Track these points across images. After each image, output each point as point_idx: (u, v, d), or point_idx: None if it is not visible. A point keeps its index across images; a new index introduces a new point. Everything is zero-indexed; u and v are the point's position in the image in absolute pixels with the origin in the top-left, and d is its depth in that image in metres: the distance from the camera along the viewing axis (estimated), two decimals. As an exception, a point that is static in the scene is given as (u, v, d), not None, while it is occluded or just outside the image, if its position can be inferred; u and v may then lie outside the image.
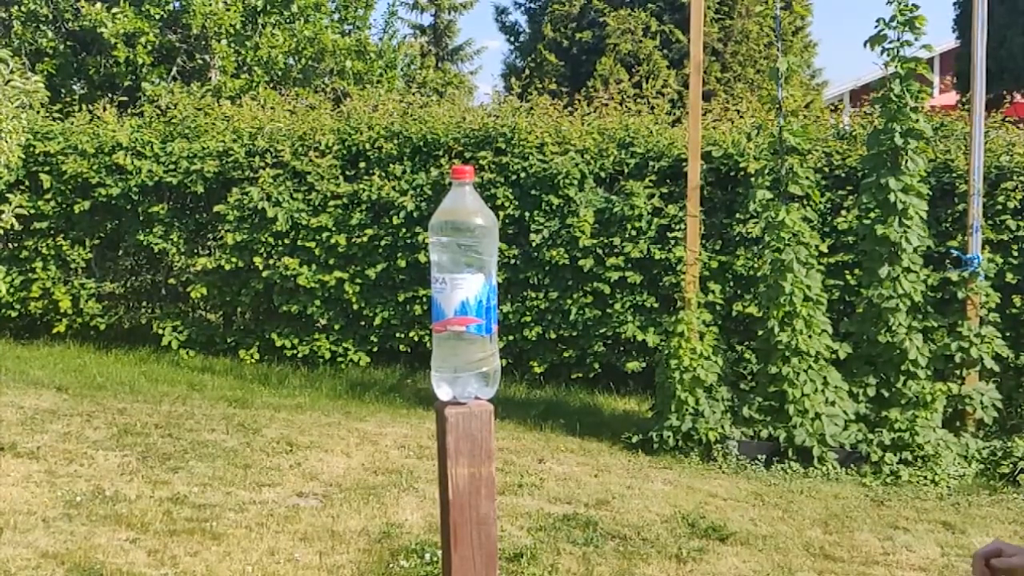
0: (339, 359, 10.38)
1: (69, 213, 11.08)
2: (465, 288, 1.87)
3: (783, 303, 7.66)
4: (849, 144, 9.49)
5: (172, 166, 10.78)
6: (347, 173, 10.48)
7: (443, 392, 1.91)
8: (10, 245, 11.29)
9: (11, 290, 11.05)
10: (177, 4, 15.52)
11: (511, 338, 9.70)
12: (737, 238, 9.36)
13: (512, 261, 9.80)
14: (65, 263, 11.18)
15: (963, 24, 20.00)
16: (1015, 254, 8.67)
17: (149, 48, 15.18)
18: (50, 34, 15.75)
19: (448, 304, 1.88)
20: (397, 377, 10.04)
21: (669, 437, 7.66)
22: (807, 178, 8.04)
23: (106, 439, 7.21)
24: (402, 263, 10.02)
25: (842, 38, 61.18)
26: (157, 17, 15.21)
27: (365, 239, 10.17)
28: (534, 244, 9.70)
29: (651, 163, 9.65)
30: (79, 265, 11.19)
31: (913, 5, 7.73)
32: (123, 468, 6.54)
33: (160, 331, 10.86)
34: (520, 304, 9.79)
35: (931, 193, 8.00)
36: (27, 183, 11.14)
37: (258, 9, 16.35)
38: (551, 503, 6.28)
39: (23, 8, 15.53)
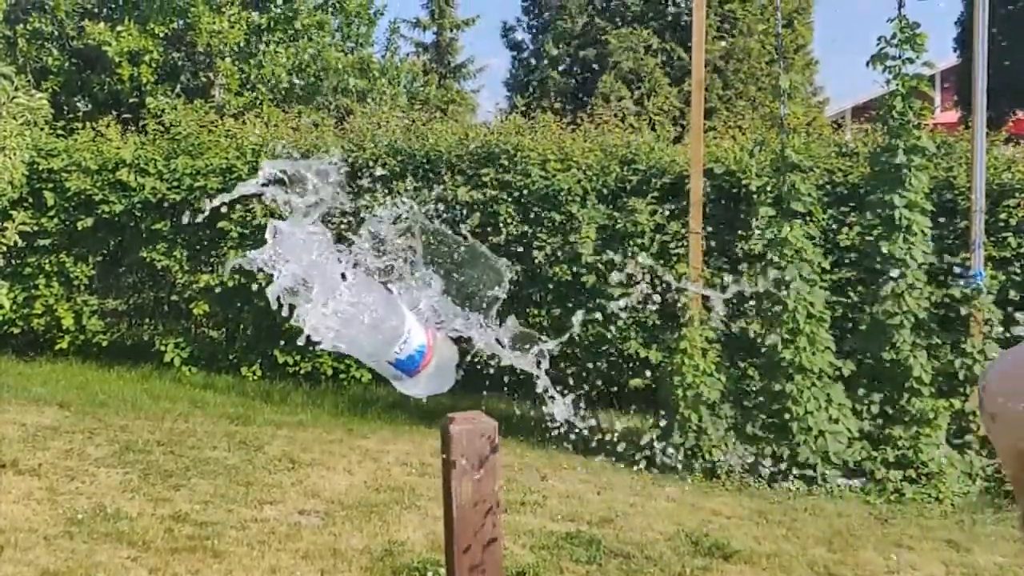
0: (341, 376, 10.37)
1: (72, 230, 11.09)
2: (416, 328, 1.87)
3: (786, 320, 7.65)
4: (851, 161, 9.50)
5: (175, 183, 10.80)
6: (350, 190, 10.47)
7: (432, 387, 1.94)
8: (13, 262, 11.30)
9: (14, 307, 11.05)
10: (181, 23, 15.56)
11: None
12: (740, 255, 9.35)
13: (515, 278, 9.79)
14: (68, 280, 11.18)
15: (964, 42, 20.06)
16: (1017, 271, 8.66)
17: (153, 66, 15.23)
18: (55, 52, 15.82)
19: (415, 345, 1.87)
20: (399, 394, 10.00)
21: (672, 454, 7.63)
22: (809, 195, 8.05)
23: (108, 456, 7.20)
24: (404, 280, 10.01)
25: (843, 56, 61.36)
26: (161, 35, 15.26)
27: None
28: (537, 261, 9.69)
29: (653, 180, 9.66)
30: (82, 282, 11.19)
31: (914, 23, 7.75)
32: (125, 485, 6.52)
33: (162, 348, 10.85)
34: (523, 321, 9.75)
35: (934, 210, 8.00)
36: (31, 200, 11.15)
37: (262, 27, 16.41)
38: (554, 521, 6.26)
39: (28, 26, 15.59)
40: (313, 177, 1.83)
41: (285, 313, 1.80)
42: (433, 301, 1.94)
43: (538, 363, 1.88)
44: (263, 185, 1.86)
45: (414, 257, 1.96)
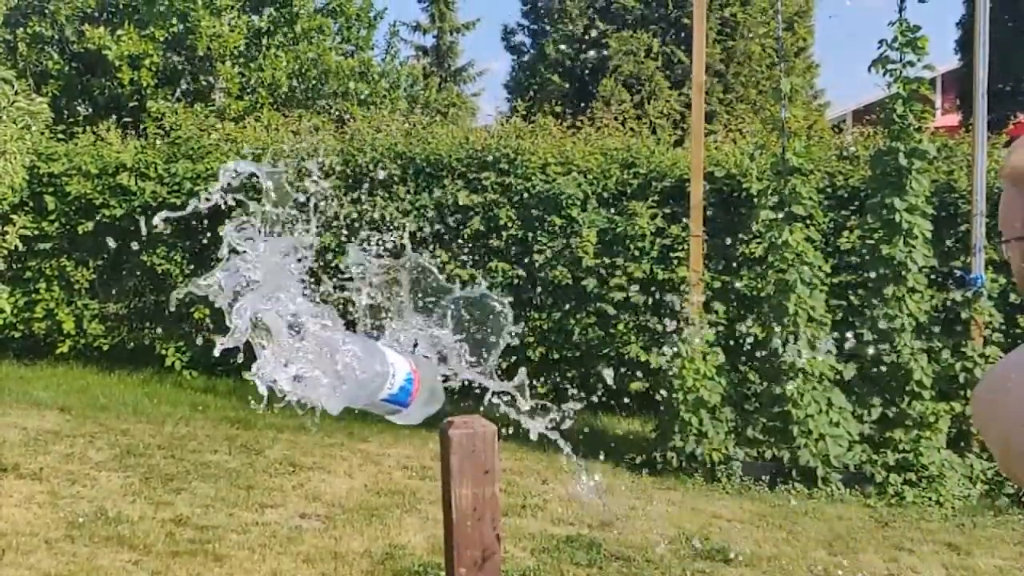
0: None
1: (73, 234, 11.09)
2: (399, 360, 1.80)
3: (787, 323, 7.65)
4: (852, 164, 9.50)
5: (176, 187, 10.80)
6: (350, 194, 10.49)
7: (428, 410, 1.88)
8: (14, 266, 11.30)
9: (15, 311, 11.05)
10: (181, 26, 15.56)
11: (513, 359, 9.68)
12: (740, 258, 9.35)
13: (515, 281, 9.79)
14: (68, 284, 11.18)
15: (966, 45, 20.05)
16: (1018, 274, 8.65)
17: (153, 70, 15.23)
18: (55, 56, 15.82)
19: (403, 377, 1.81)
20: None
21: (673, 458, 7.63)
22: (810, 198, 8.05)
23: (109, 460, 7.20)
24: (405, 284, 10.00)
25: (844, 59, 61.46)
26: (161, 39, 15.27)
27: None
28: (537, 264, 9.69)
29: (654, 183, 9.66)
30: (82, 286, 11.18)
31: (915, 26, 7.75)
32: (126, 489, 6.52)
33: (163, 352, 10.85)
34: (523, 325, 9.77)
35: (935, 213, 8.00)
36: (31, 204, 11.15)
37: (262, 31, 16.42)
38: (554, 524, 6.26)
39: (28, 30, 15.60)
40: (280, 185, 1.64)
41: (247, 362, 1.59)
42: (429, 343, 1.86)
43: (558, 427, 1.79)
44: (225, 193, 1.68)
45: (400, 298, 1.86)
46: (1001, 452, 1.29)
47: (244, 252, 1.62)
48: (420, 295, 1.86)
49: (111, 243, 10.65)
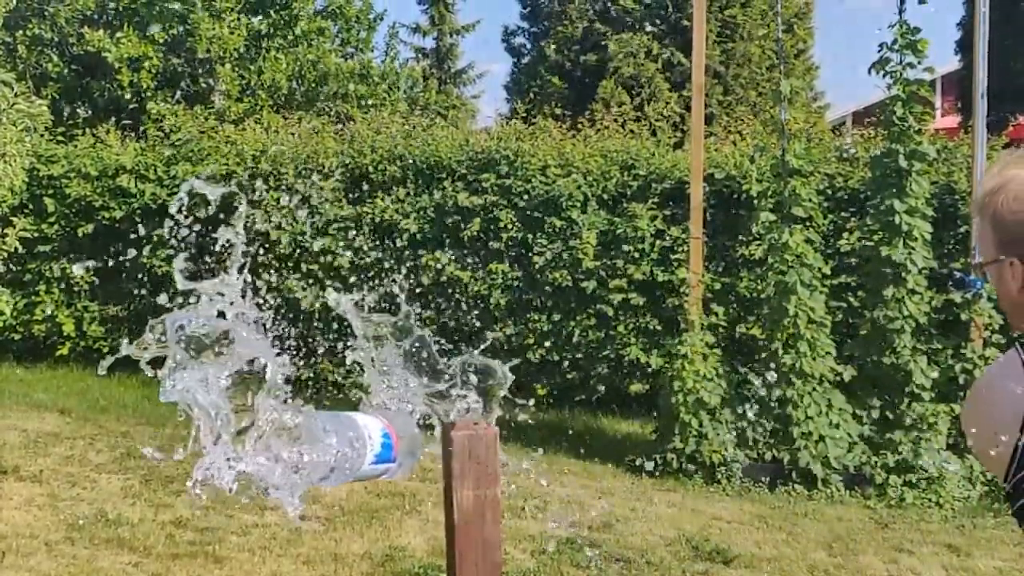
0: (341, 382, 10.35)
1: (72, 236, 11.08)
2: (369, 420, 1.76)
3: (787, 325, 7.65)
4: (852, 166, 9.50)
5: (175, 189, 10.79)
6: (350, 196, 10.48)
7: (414, 458, 1.86)
8: (14, 268, 11.29)
9: (15, 313, 11.04)
10: (181, 29, 15.56)
11: (514, 360, 9.68)
12: (740, 260, 9.35)
13: (515, 283, 9.79)
14: (68, 286, 11.17)
15: (966, 46, 20.05)
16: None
17: (153, 72, 15.22)
18: (55, 58, 15.80)
19: (379, 434, 1.77)
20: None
21: (673, 459, 7.63)
22: (810, 200, 8.05)
23: (109, 462, 7.20)
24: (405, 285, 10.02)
25: (844, 61, 61.48)
26: (161, 42, 15.26)
27: (368, 261, 10.17)
28: (537, 266, 9.69)
29: (654, 185, 9.66)
30: (82, 288, 11.18)
31: (915, 28, 7.76)
32: (126, 491, 6.52)
33: (164, 354, 10.83)
34: (523, 326, 9.78)
35: (935, 215, 7.99)
36: (31, 206, 11.15)
37: (262, 33, 16.40)
38: (554, 526, 6.25)
39: (28, 32, 15.59)
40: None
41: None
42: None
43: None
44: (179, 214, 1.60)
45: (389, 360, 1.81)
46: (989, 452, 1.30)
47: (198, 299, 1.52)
48: (413, 359, 1.82)
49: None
